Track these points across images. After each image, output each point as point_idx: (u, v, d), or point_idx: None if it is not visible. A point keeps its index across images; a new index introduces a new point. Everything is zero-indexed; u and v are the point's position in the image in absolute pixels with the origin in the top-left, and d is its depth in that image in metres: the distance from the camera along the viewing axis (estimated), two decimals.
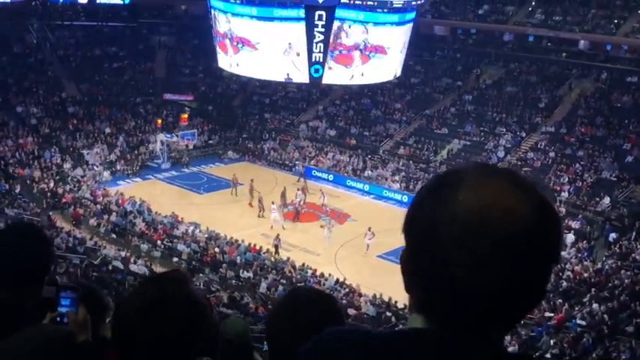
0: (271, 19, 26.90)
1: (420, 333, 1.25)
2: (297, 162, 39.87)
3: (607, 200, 31.81)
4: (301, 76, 28.07)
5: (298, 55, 27.18)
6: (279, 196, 31.72)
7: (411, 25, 29.71)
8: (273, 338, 2.10)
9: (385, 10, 27.94)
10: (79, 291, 2.23)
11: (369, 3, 27.18)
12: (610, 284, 23.76)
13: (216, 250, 26.19)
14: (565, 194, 32.97)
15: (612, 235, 28.71)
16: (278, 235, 28.01)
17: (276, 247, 27.38)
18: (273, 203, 30.42)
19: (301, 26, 26.57)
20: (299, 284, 23.55)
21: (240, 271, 24.78)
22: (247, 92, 48.77)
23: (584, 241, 28.83)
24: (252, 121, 46.07)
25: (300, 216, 31.87)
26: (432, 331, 1.23)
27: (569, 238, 28.74)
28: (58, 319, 2.20)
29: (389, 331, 1.36)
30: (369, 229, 28.14)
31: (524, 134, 38.87)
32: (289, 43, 27.14)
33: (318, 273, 24.91)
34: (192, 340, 1.77)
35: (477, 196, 1.18)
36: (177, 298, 1.76)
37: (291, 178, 37.76)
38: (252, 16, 27.21)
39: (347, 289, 23.85)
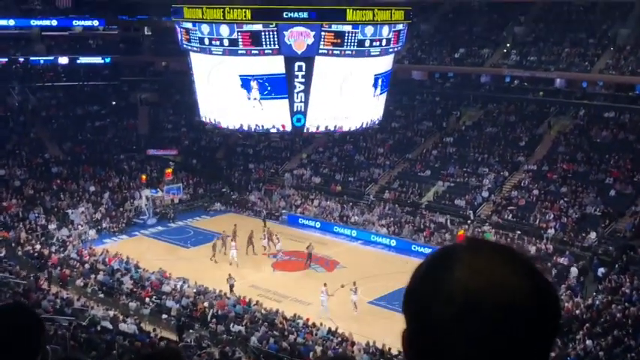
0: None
1: None
2: (283, 210, 39.98)
3: (593, 235, 32.02)
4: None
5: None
6: (247, 238, 32.68)
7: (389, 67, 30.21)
8: None
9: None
10: None
11: (347, 52, 27.58)
12: (602, 319, 23.74)
13: (205, 304, 25.92)
14: (551, 231, 33.15)
15: (601, 270, 28.81)
16: (230, 274, 28.56)
17: (231, 286, 27.91)
18: (233, 240, 31.87)
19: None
20: (291, 335, 23.36)
21: (231, 324, 24.50)
22: (230, 144, 49.01)
23: (574, 278, 28.89)
24: (237, 172, 46.20)
25: (310, 259, 32.20)
26: None
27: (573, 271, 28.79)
28: None
29: None
30: (354, 283, 27.47)
31: (506, 173, 39.23)
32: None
33: (310, 322, 24.69)
34: None
35: (474, 275, 1.18)
36: None
37: (278, 227, 37.76)
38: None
39: (340, 338, 23.62)
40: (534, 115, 43.24)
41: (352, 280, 28.29)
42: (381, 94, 30.45)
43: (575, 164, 37.99)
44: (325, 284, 27.29)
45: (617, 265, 28.74)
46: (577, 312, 24.86)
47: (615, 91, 42.23)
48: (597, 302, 25.71)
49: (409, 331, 1.26)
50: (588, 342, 22.00)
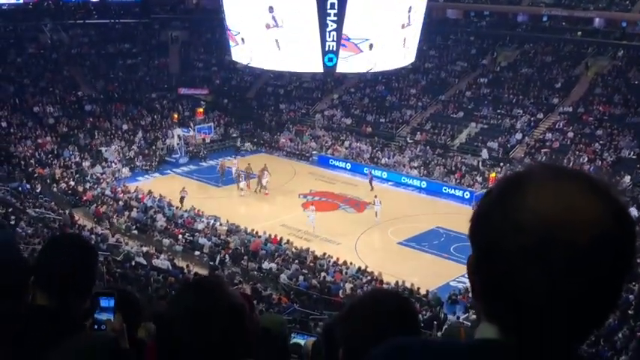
0: None
1: (492, 344, 1.19)
2: (314, 151, 40.03)
3: (627, 179, 31.52)
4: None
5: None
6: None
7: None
8: (347, 335, 2.03)
9: None
10: (115, 297, 2.26)
11: None
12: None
13: (237, 242, 26.31)
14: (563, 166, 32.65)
15: (634, 214, 28.50)
16: (184, 187, 31.80)
17: (182, 199, 30.81)
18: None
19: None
20: (321, 273, 23.68)
21: (262, 262, 24.90)
22: (262, 84, 48.79)
23: None
24: (268, 112, 46.12)
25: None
26: (505, 342, 1.18)
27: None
28: (96, 326, 2.23)
29: (461, 343, 1.33)
30: (375, 196, 30.81)
31: (541, 115, 38.57)
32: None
33: (340, 262, 24.96)
34: (235, 344, 1.81)
35: (546, 202, 1.11)
36: (219, 305, 1.80)
37: (308, 167, 37.95)
38: None
39: (369, 277, 23.87)
40: (571, 56, 42.16)
41: (384, 221, 28.46)
42: (410, 25, 29.37)
43: (612, 106, 37.16)
44: (313, 204, 30.87)
45: None
46: None
47: None
48: None
49: (476, 259, 1.20)
50: None
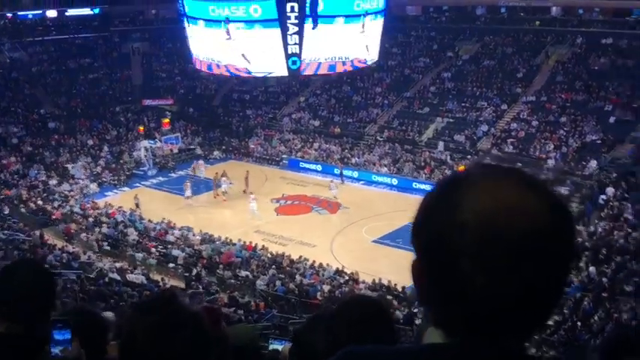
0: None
1: (439, 348, 1.20)
2: (283, 155, 40.01)
3: (594, 163, 32.03)
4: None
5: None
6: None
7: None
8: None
9: None
10: (71, 326, 2.20)
11: None
12: (604, 246, 23.96)
13: (211, 252, 26.16)
14: (552, 161, 33.14)
15: (602, 197, 28.92)
16: (136, 194, 32.70)
17: (137, 205, 31.55)
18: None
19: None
20: (298, 277, 23.63)
21: (238, 270, 24.77)
22: (227, 90, 48.61)
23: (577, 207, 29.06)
24: (235, 118, 45.95)
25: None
26: (453, 345, 1.18)
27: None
28: (53, 354, 2.17)
29: (410, 349, 1.34)
30: (331, 181, 33.10)
31: (505, 106, 39.01)
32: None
33: (316, 264, 24.95)
34: (199, 353, 1.79)
35: (486, 199, 1.12)
36: (174, 317, 1.78)
37: (279, 171, 37.92)
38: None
39: (346, 277, 23.89)
40: (531, 46, 42.74)
41: (357, 220, 28.57)
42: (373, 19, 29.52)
43: (574, 93, 37.73)
44: (252, 192, 32.21)
45: (618, 192, 28.84)
46: (580, 240, 25.06)
47: (612, 16, 41.58)
48: (600, 229, 25.91)
49: (420, 262, 1.20)
50: (592, 269, 22.26)
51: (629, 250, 23.12)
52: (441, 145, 37.22)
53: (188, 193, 33.14)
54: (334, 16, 26.97)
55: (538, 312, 1.17)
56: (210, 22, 27.19)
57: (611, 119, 34.82)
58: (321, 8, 26.50)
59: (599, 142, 33.63)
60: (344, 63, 29.33)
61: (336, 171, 36.43)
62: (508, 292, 1.11)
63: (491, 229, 1.10)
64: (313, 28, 26.36)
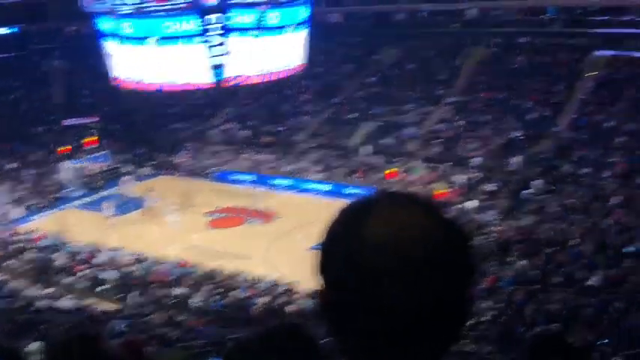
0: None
1: None
2: (213, 168, 39.59)
3: (518, 159, 32.94)
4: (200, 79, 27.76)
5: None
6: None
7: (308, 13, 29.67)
8: None
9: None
10: None
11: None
12: (533, 239, 24.65)
13: (143, 272, 25.56)
14: (478, 159, 33.93)
15: (528, 192, 29.77)
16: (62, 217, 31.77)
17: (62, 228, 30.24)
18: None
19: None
20: (234, 291, 23.35)
21: (172, 288, 24.27)
22: (152, 105, 47.74)
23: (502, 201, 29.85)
24: (162, 133, 45.19)
25: None
26: None
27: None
28: None
29: None
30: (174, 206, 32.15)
31: (430, 108, 39.74)
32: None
33: (252, 276, 24.72)
34: None
35: (386, 223, 1.19)
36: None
37: (210, 184, 37.49)
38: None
39: (285, 288, 23.76)
40: (451, 48, 43.68)
41: (292, 229, 28.49)
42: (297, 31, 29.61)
43: (495, 92, 38.79)
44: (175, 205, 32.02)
45: (542, 186, 29.77)
46: (510, 234, 25.70)
47: (527, 15, 43.02)
48: (527, 223, 26.65)
49: (326, 290, 1.24)
50: (522, 262, 22.85)
51: (557, 242, 23.87)
52: (368, 148, 37.61)
53: (109, 212, 32.37)
54: (259, 29, 26.93)
55: (445, 329, 1.21)
56: (130, 39, 26.69)
57: (532, 115, 35.93)
58: (246, 21, 26.46)
59: (521, 138, 34.62)
60: (270, 73, 29.33)
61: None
62: (411, 312, 1.16)
63: (391, 250, 1.16)
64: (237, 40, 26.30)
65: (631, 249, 22.13)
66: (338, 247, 1.23)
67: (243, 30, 26.58)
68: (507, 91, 38.37)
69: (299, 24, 28.64)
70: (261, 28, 26.89)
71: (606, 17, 39.47)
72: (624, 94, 34.61)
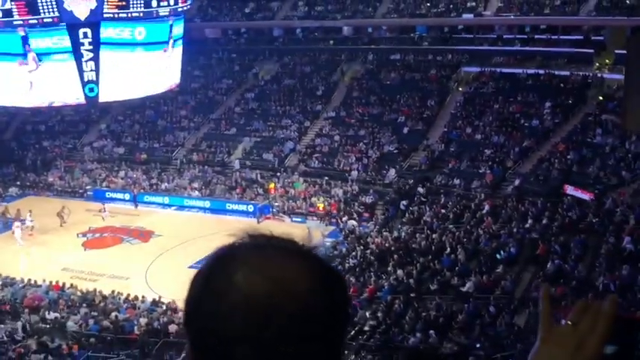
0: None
1: None
2: (87, 186, 38.20)
3: (392, 172, 34.15)
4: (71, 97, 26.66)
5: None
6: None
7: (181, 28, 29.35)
8: None
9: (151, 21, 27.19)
10: None
11: (134, 14, 26.39)
12: (408, 249, 25.60)
13: (10, 297, 24.23)
14: (355, 173, 34.85)
15: (403, 203, 30.89)
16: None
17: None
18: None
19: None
20: (113, 313, 22.62)
21: (46, 312, 23.14)
22: (19, 122, 45.42)
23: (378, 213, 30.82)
24: (30, 151, 43.07)
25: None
26: None
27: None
28: None
29: None
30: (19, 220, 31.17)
31: (308, 123, 40.40)
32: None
33: (131, 297, 24.06)
34: None
35: (254, 280, 1.09)
36: None
37: (84, 203, 36.09)
38: None
39: (164, 307, 23.30)
40: (327, 64, 44.67)
41: (171, 247, 28.04)
42: (174, 47, 29.24)
43: (370, 107, 40.00)
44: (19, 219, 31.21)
45: (416, 197, 31.00)
46: (387, 245, 26.55)
47: (399, 33, 44.80)
48: (403, 234, 27.64)
49: (192, 348, 1.15)
50: (399, 272, 23.66)
51: (431, 251, 24.94)
52: (236, 163, 37.80)
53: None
54: (134, 44, 26.32)
55: None
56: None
57: (405, 129, 37.37)
58: (119, 36, 25.80)
59: (395, 151, 35.91)
60: (145, 88, 28.73)
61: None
62: None
63: (264, 311, 1.07)
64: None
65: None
66: (199, 308, 1.13)
67: (114, 45, 25.90)
68: (381, 106, 39.69)
69: (175, 39, 28.27)
70: (133, 44, 26.31)
71: (472, 35, 41.94)
72: (491, 108, 36.78)
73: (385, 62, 43.25)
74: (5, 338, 21.20)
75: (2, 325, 22.89)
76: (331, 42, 45.75)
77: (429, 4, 42.42)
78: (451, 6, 41.80)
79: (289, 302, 1.08)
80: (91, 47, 25.74)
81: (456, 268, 23.48)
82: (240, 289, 1.08)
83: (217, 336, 1.09)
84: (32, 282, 25.45)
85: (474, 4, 41.20)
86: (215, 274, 1.13)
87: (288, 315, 1.07)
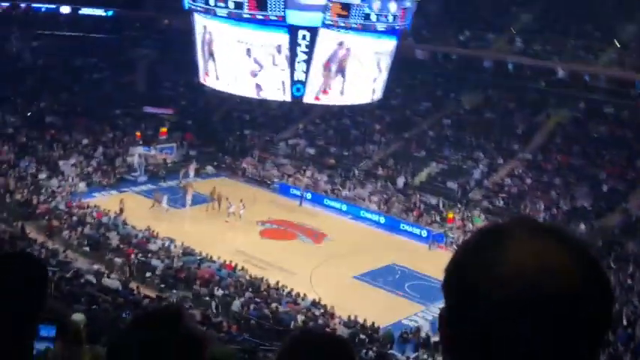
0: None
1: None
2: (275, 179, 40.00)
3: (582, 227, 32.07)
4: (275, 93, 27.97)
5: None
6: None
7: (393, 46, 29.76)
8: None
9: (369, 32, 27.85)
10: (56, 325, 2.12)
11: (352, 25, 27.19)
12: None
13: (190, 266, 25.94)
14: (540, 221, 33.13)
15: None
16: (122, 199, 32.47)
17: (121, 209, 31.31)
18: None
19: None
20: (274, 303, 23.42)
21: (215, 288, 24.53)
22: (228, 108, 48.68)
23: None
24: (232, 136, 45.99)
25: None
26: None
27: None
28: (36, 352, 2.10)
29: None
30: (241, 200, 33.16)
31: (501, 160, 39.20)
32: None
33: (294, 292, 24.76)
34: None
35: (530, 259, 1.11)
36: (176, 337, 1.71)
37: (269, 194, 37.85)
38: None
39: (322, 310, 23.71)
40: (534, 104, 43.04)
41: (341, 254, 28.58)
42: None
43: (571, 157, 37.99)
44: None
45: (604, 261, 28.89)
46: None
47: (617, 86, 42.04)
48: None
49: (448, 312, 1.19)
50: None
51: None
52: (400, 180, 37.58)
53: (167, 203, 33.31)
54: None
55: None
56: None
57: (604, 187, 35.00)
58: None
59: (589, 208, 33.74)
60: (351, 98, 29.49)
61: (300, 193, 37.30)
62: (545, 346, 1.08)
63: (533, 283, 1.08)
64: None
65: None
66: (463, 274, 1.16)
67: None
68: (583, 158, 37.52)
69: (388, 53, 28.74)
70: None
71: None
72: None
73: (596, 113, 40.83)
74: (175, 304, 22.69)
75: (175, 291, 24.62)
76: (543, 83, 43.99)
77: None
78: None
79: (556, 281, 1.09)
80: (306, 50, 26.92)
81: (631, 344, 21.54)
82: (513, 262, 1.11)
83: (483, 303, 1.11)
84: (209, 257, 27.07)
85: None
86: (488, 245, 1.16)
87: (556, 297, 1.08)
